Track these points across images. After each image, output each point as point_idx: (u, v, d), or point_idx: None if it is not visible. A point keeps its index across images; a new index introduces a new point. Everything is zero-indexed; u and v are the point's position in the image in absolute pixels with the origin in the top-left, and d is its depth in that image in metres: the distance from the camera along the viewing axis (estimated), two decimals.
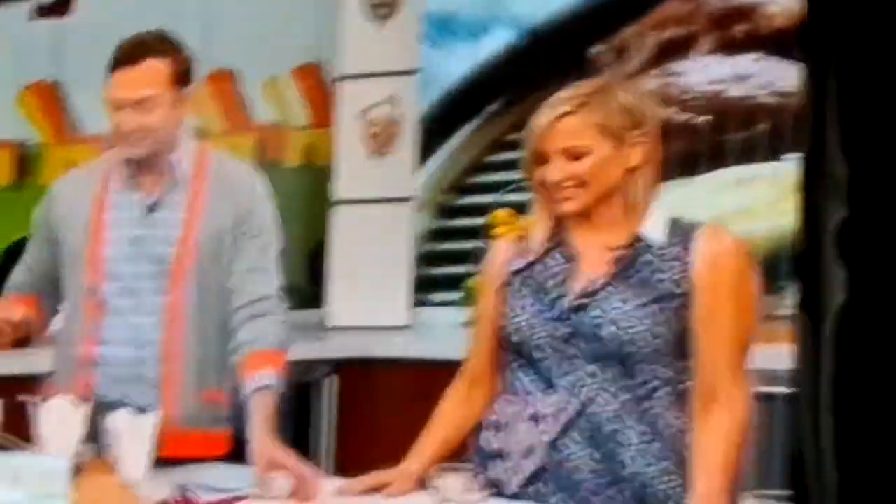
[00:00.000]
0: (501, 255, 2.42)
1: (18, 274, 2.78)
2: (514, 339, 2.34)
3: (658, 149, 2.32)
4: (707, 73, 3.26)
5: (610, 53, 3.38)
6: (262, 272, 2.70)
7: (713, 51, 3.29)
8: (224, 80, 4.24)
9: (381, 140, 4.00)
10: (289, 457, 2.50)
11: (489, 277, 2.44)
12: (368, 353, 3.91)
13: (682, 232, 2.31)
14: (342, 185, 4.05)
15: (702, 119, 3.23)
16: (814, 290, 2.66)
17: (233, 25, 4.24)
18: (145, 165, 2.63)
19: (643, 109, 2.32)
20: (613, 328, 2.29)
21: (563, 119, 2.28)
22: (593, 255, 2.32)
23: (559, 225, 2.35)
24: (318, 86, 4.20)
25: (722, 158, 3.25)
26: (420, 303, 3.94)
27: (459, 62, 3.81)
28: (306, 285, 4.08)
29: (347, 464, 3.24)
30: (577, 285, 2.31)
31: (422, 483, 2.42)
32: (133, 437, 2.67)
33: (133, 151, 2.60)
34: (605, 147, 2.29)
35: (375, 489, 2.43)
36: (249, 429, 2.58)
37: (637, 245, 2.30)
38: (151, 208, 2.67)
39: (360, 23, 4.03)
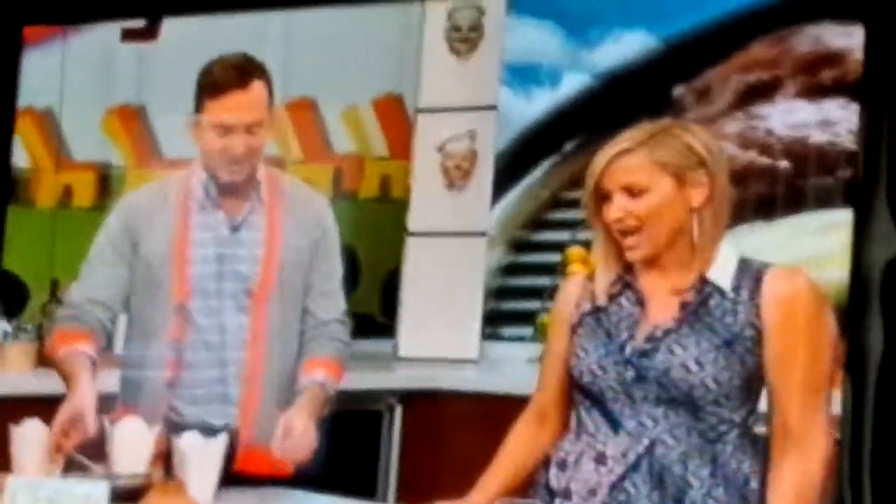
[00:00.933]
0: (573, 293, 2.40)
1: (86, 298, 2.71)
2: (583, 380, 2.32)
3: (724, 190, 2.28)
4: (791, 117, 3.20)
5: (692, 95, 3.33)
6: (329, 296, 2.72)
7: (798, 95, 3.22)
8: (303, 108, 4.23)
9: (458, 174, 3.98)
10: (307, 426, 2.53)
11: (560, 315, 2.42)
12: (436, 384, 3.86)
13: (751, 274, 2.28)
14: (418, 217, 4.02)
15: (783, 164, 3.17)
16: (858, 342, 2.57)
17: (313, 54, 4.23)
18: (230, 186, 2.62)
19: (707, 150, 2.29)
20: (681, 372, 2.26)
21: (622, 156, 2.28)
22: (660, 298, 2.30)
23: (626, 267, 2.32)
24: (397, 117, 4.18)
25: (803, 203, 3.18)
26: (490, 337, 3.89)
27: (538, 105, 3.78)
28: (378, 315, 4.04)
29: (411, 493, 3.19)
30: (645, 329, 2.29)
31: None
32: (202, 458, 2.64)
33: (236, 174, 2.59)
34: (665, 184, 2.27)
35: None
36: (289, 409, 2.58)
37: (704, 288, 2.27)
38: (235, 228, 2.65)
39: (441, 57, 4.01)
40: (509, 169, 3.85)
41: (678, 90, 3.37)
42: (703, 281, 2.25)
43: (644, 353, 2.27)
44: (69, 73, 4.32)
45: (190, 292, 2.65)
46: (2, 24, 3.42)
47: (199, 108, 2.62)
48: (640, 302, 2.29)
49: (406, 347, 3.98)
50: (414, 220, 3.99)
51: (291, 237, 2.67)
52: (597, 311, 2.33)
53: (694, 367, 2.24)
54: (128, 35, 4.29)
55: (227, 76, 2.62)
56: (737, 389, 2.25)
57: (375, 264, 4.04)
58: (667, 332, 2.25)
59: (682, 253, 2.28)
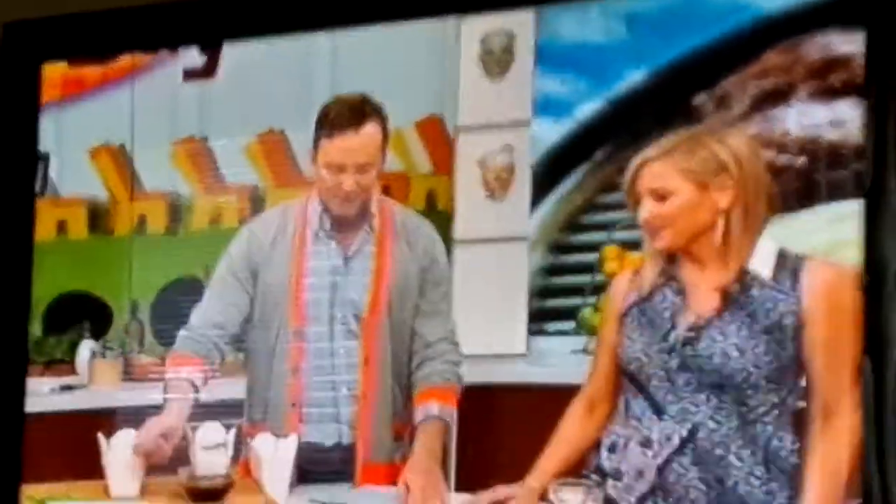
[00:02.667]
0: (622, 287, 2.47)
1: (203, 321, 2.75)
2: (630, 368, 2.38)
3: (756, 190, 2.33)
4: (805, 118, 3.20)
5: (712, 102, 3.34)
6: (439, 316, 2.75)
7: (811, 98, 3.23)
8: None
9: (497, 185, 4.00)
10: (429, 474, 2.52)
11: (610, 309, 2.47)
12: (489, 378, 3.87)
13: (790, 265, 2.34)
14: (462, 226, 4.04)
15: (799, 160, 3.17)
16: (876, 324, 2.59)
17: (359, 82, 4.24)
18: (344, 218, 2.64)
19: (733, 156, 2.36)
20: (723, 359, 2.31)
21: (650, 164, 2.39)
22: (702, 290, 2.37)
23: (671, 262, 2.37)
24: (438, 137, 4.19)
25: (820, 196, 3.18)
26: (536, 332, 3.90)
27: (568, 124, 3.79)
28: None
29: (469, 481, 3.21)
30: (688, 318, 2.33)
31: (543, 498, 2.42)
32: (276, 459, 2.68)
33: (347, 209, 2.63)
34: (687, 190, 2.39)
35: (501, 503, 2.46)
36: (410, 455, 2.60)
37: (745, 279, 2.31)
38: (348, 258, 2.67)
39: (477, 79, 4.04)
40: (545, 178, 3.86)
41: (699, 98, 3.37)
42: (744, 272, 2.30)
43: (687, 342, 2.32)
44: (138, 110, 4.37)
45: (305, 318, 2.69)
46: (20, 61, 3.40)
47: (315, 144, 2.65)
48: (682, 292, 2.34)
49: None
50: (459, 230, 4.00)
51: (400, 266, 2.71)
52: (642, 301, 2.37)
53: (735, 354, 2.29)
54: (188, 75, 4.34)
55: (340, 117, 2.66)
56: (777, 373, 2.29)
57: None
58: (709, 321, 2.30)
59: (716, 248, 2.34)
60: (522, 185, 3.99)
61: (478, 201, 4.21)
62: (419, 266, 2.78)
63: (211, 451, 2.69)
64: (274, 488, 2.71)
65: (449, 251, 4.29)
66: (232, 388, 3.07)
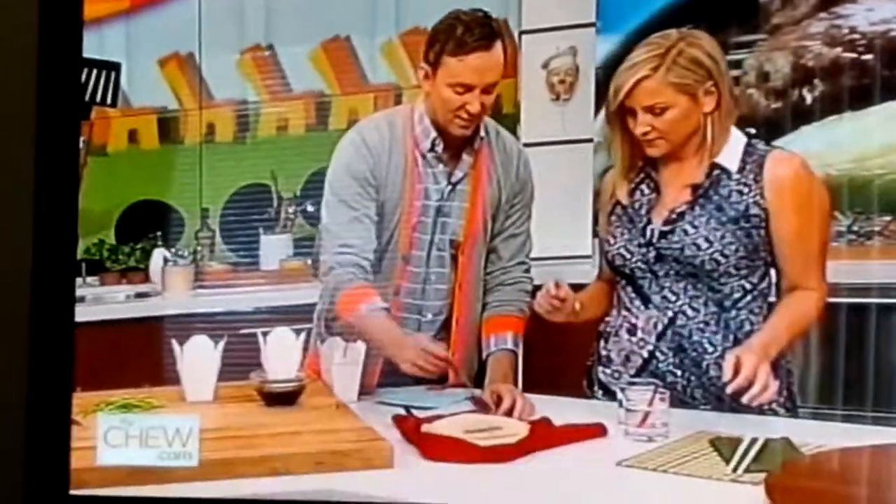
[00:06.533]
0: (609, 184, 2.59)
1: (360, 248, 2.64)
2: (615, 263, 2.52)
3: (730, 89, 2.41)
4: (873, 14, 3.12)
5: (778, 0, 3.26)
6: (520, 237, 2.69)
7: None
8: (417, 36, 4.17)
9: (562, 87, 3.94)
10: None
11: (602, 205, 2.59)
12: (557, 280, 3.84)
13: (755, 157, 2.45)
14: (529, 129, 3.99)
15: (869, 57, 3.09)
16: None
17: None
18: (454, 140, 2.55)
19: (711, 59, 2.43)
20: (693, 249, 2.45)
21: (643, 81, 2.43)
22: (676, 185, 2.50)
23: (647, 160, 2.49)
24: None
25: (889, 92, 3.10)
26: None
27: (632, 23, 3.69)
28: None
29: (536, 380, 3.19)
30: (663, 213, 2.44)
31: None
32: (345, 363, 2.67)
33: (467, 130, 2.53)
34: (682, 101, 2.47)
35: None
36: (486, 382, 2.56)
37: (713, 172, 2.42)
38: (455, 182, 2.60)
39: None
40: (609, 78, 3.78)
41: None
42: (713, 165, 2.39)
43: (662, 235, 2.44)
44: (206, 20, 4.33)
45: (412, 243, 2.63)
46: None
47: (435, 61, 2.51)
48: (657, 189, 2.44)
49: None
50: (525, 133, 3.95)
51: (493, 188, 2.64)
52: (623, 200, 2.47)
53: (704, 244, 2.43)
54: None
55: (472, 36, 2.52)
56: (745, 261, 2.44)
57: None
58: (681, 215, 2.44)
59: (695, 147, 2.45)
60: (587, 87, 3.91)
61: (543, 104, 4.14)
62: (512, 191, 2.69)
63: (281, 356, 2.68)
64: (343, 391, 2.70)
65: None
66: (300, 293, 3.06)
